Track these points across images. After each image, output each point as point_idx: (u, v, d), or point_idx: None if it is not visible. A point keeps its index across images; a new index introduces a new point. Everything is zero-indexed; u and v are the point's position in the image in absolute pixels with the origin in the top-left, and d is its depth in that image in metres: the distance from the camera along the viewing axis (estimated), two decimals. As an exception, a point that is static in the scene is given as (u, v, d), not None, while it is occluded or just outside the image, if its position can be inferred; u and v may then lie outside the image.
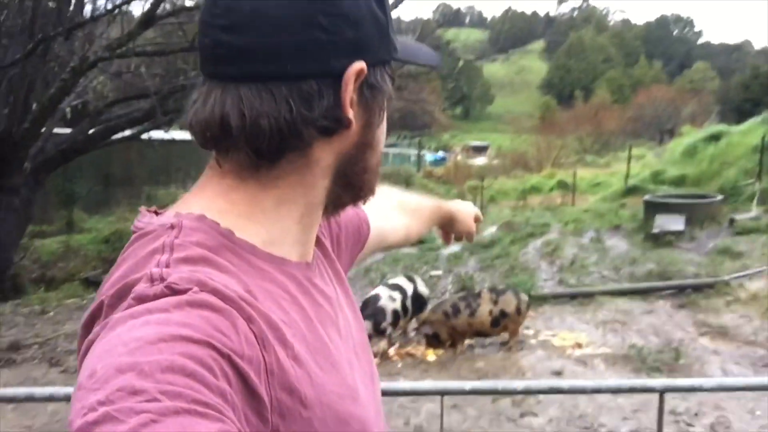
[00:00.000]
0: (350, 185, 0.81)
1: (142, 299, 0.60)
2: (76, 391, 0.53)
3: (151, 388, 0.50)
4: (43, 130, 8.85)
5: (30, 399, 2.22)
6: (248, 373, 0.59)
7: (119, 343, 0.55)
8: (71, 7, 9.04)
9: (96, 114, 9.97)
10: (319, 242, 0.89)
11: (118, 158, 14.93)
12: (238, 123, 0.69)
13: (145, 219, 0.74)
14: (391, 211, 1.27)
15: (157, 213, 0.76)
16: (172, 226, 0.69)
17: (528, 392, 2.05)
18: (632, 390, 2.18)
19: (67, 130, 10.87)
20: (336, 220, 1.00)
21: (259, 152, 0.72)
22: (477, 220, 1.48)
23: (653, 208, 11.85)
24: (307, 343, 0.71)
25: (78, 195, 12.78)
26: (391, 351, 6.56)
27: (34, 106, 8.10)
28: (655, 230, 10.82)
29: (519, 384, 2.16)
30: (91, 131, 10.13)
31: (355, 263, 1.13)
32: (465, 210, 1.46)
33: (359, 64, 0.72)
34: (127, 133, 10.38)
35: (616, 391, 2.30)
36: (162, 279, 0.61)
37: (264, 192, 0.75)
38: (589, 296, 8.31)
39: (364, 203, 0.88)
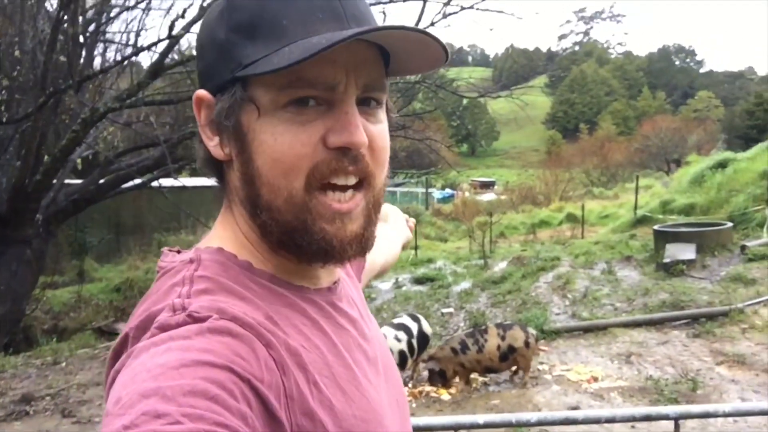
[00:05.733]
0: (266, 230, 0.74)
1: (164, 328, 0.62)
2: (104, 418, 0.55)
3: (174, 411, 0.52)
4: (54, 181, 8.98)
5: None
6: (268, 397, 0.61)
7: (143, 370, 0.57)
8: (81, 61, 9.27)
9: (107, 164, 10.12)
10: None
11: (128, 207, 15.07)
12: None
13: (168, 258, 0.78)
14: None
15: (179, 252, 0.79)
16: (191, 261, 0.73)
17: (542, 424, 2.05)
18: (647, 418, 2.16)
19: (78, 181, 11.02)
20: None
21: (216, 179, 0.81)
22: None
23: (663, 238, 11.79)
24: (329, 368, 0.72)
25: (89, 244, 12.87)
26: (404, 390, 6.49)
27: (46, 158, 8.24)
28: (667, 260, 10.75)
29: (533, 416, 2.14)
30: (101, 181, 10.27)
31: None
32: (404, 225, 1.50)
33: (196, 94, 0.76)
34: (138, 181, 10.51)
35: (631, 420, 2.28)
36: (183, 308, 0.64)
37: (236, 223, 0.79)
38: (602, 329, 8.23)
39: (317, 263, 0.76)
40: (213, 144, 0.76)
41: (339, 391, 0.71)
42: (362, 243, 0.75)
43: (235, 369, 0.59)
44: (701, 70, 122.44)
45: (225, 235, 0.79)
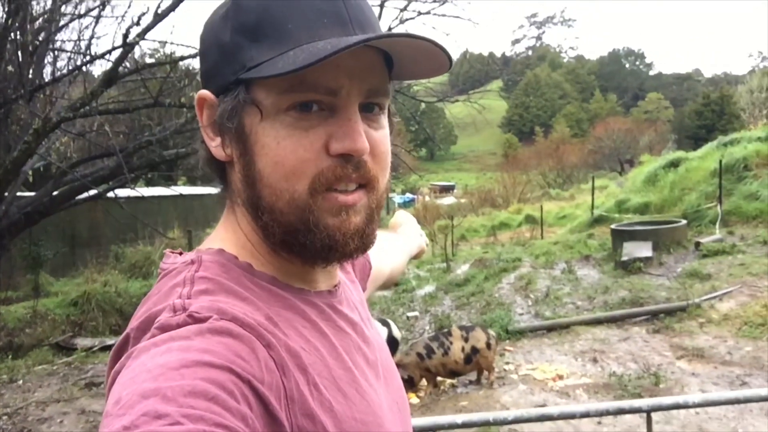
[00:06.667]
0: (269, 231, 0.74)
1: (165, 328, 0.62)
2: (103, 419, 0.54)
3: (174, 412, 0.52)
4: (6, 194, 8.72)
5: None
6: (268, 398, 0.60)
7: (143, 370, 0.56)
8: (31, 70, 9.03)
9: (60, 175, 9.87)
10: (343, 268, 0.89)
11: (83, 219, 14.72)
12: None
13: (170, 260, 0.77)
14: (380, 252, 1.21)
15: (181, 254, 0.78)
16: (192, 262, 0.73)
17: (519, 421, 2.07)
18: (620, 411, 2.21)
19: (30, 194, 10.72)
20: None
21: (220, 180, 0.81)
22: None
23: (620, 237, 12.04)
24: (329, 370, 0.72)
25: (44, 258, 12.51)
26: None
27: (-4, 170, 7.99)
28: (624, 258, 10.98)
29: (509, 414, 2.17)
30: (55, 192, 10.00)
31: None
32: (418, 234, 1.50)
33: (199, 94, 0.76)
34: (93, 192, 10.27)
35: (605, 414, 2.32)
36: (184, 309, 0.64)
37: (238, 224, 0.78)
38: (565, 327, 8.35)
39: (320, 262, 0.76)
40: (215, 145, 0.76)
41: (339, 393, 0.71)
42: (363, 238, 0.75)
43: (235, 370, 0.58)
44: (651, 73, 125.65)
45: (227, 236, 0.79)
